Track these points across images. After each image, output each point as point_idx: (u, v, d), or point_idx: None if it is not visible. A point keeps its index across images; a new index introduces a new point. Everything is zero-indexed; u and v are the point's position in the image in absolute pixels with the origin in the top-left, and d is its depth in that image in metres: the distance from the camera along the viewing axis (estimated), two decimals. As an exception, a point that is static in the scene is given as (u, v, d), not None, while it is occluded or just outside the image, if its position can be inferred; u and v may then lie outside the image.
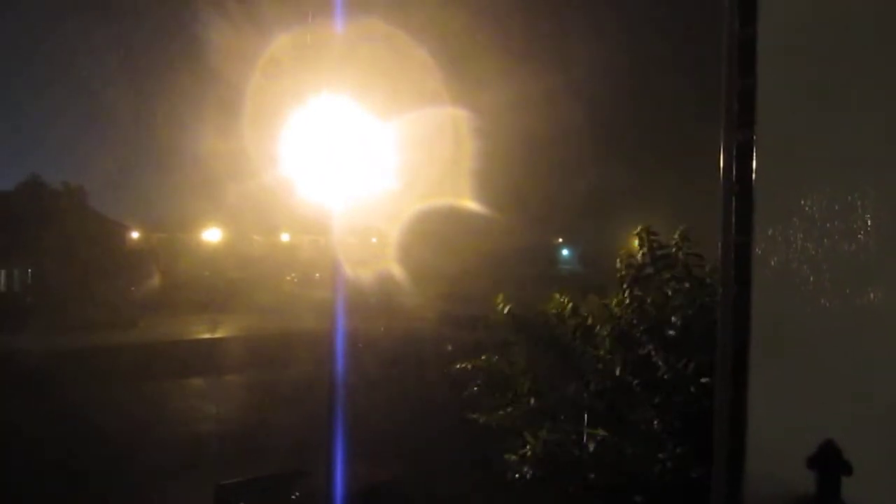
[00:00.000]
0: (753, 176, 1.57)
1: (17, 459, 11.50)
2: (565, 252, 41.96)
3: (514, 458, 5.29)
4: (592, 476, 5.01)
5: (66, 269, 26.22)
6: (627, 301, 5.39)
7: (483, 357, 5.94)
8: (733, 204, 1.60)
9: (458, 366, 6.07)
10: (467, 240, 27.43)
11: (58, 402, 14.97)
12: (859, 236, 1.56)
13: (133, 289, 29.62)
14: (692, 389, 4.78)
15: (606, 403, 5.22)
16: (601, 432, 4.83)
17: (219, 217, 35.75)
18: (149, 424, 14.38)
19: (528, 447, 5.11)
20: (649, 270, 5.41)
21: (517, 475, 5.22)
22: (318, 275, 34.03)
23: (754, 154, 1.57)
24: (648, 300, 5.33)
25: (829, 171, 1.59)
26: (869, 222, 1.56)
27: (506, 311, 5.75)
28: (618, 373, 5.17)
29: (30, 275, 32.14)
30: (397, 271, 22.52)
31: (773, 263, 1.57)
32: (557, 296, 5.68)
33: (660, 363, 5.01)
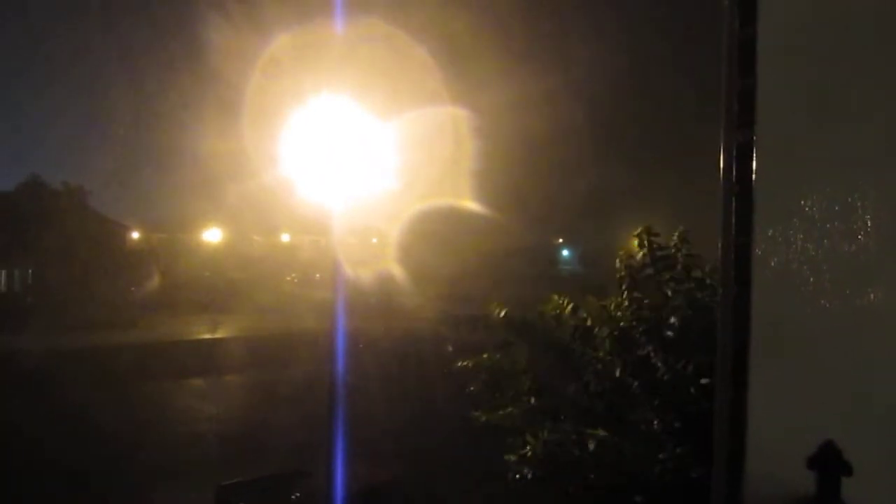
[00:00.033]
0: (753, 176, 1.57)
1: (17, 459, 11.50)
2: (565, 252, 41.99)
3: (513, 458, 5.28)
4: (592, 476, 5.01)
5: (67, 270, 26.23)
6: (627, 303, 5.39)
7: (485, 355, 5.94)
8: (733, 204, 1.59)
9: (459, 363, 6.07)
10: (467, 240, 27.45)
11: (58, 402, 14.98)
12: (859, 237, 1.56)
13: (133, 289, 29.63)
14: (692, 390, 4.78)
15: (606, 404, 5.23)
16: (601, 432, 4.83)
17: (219, 217, 35.79)
18: (149, 424, 14.39)
19: (528, 447, 5.11)
20: (649, 271, 5.41)
21: (517, 476, 5.22)
22: (318, 275, 34.03)
23: (754, 154, 1.57)
24: (646, 301, 5.33)
25: (830, 171, 1.59)
26: (869, 223, 1.56)
27: (502, 314, 5.76)
28: (617, 374, 5.17)
29: (30, 275, 32.15)
30: (397, 271, 22.54)
31: (773, 264, 1.57)
32: (556, 297, 5.68)
33: (659, 364, 5.01)
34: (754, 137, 1.57)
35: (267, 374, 19.25)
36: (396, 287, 22.75)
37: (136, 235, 36.18)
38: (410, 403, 14.15)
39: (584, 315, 5.50)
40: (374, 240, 26.00)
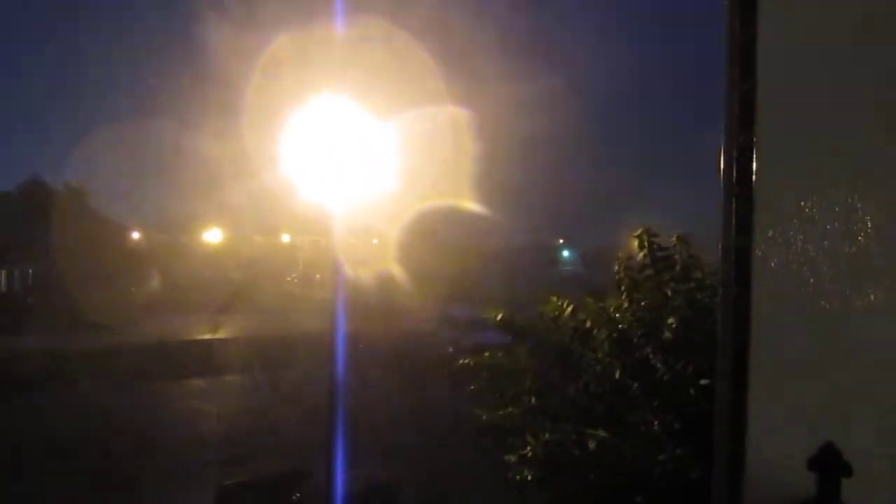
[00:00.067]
0: (754, 177, 1.57)
1: (18, 460, 11.50)
2: (566, 253, 41.98)
3: (513, 459, 5.29)
4: (592, 477, 5.01)
5: (67, 270, 26.22)
6: (626, 304, 5.40)
7: (486, 354, 5.95)
8: (734, 205, 1.60)
9: (461, 361, 6.08)
10: (468, 240, 27.46)
11: (58, 403, 14.99)
12: (860, 238, 1.56)
13: (134, 289, 29.63)
14: (692, 391, 4.78)
15: (606, 405, 5.23)
16: (601, 433, 4.83)
17: (219, 218, 35.81)
18: (149, 424, 14.39)
19: (528, 448, 5.12)
20: (649, 272, 5.42)
21: (517, 477, 5.22)
22: (318, 276, 34.03)
23: (755, 156, 1.57)
24: (643, 303, 5.33)
25: (830, 172, 1.59)
26: (869, 224, 1.56)
27: (498, 317, 5.78)
28: (617, 376, 5.17)
29: (30, 275, 32.15)
30: (398, 272, 22.53)
31: (773, 265, 1.57)
32: (555, 299, 5.69)
33: (659, 365, 5.01)
34: (755, 139, 1.57)
35: (267, 375, 19.24)
36: (397, 287, 22.76)
37: (136, 236, 36.19)
38: (411, 404, 14.15)
39: (584, 317, 5.50)
40: (375, 240, 26.00)
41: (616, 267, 5.60)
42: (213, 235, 37.10)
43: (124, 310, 25.50)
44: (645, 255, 5.42)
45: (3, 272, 32.15)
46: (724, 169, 1.62)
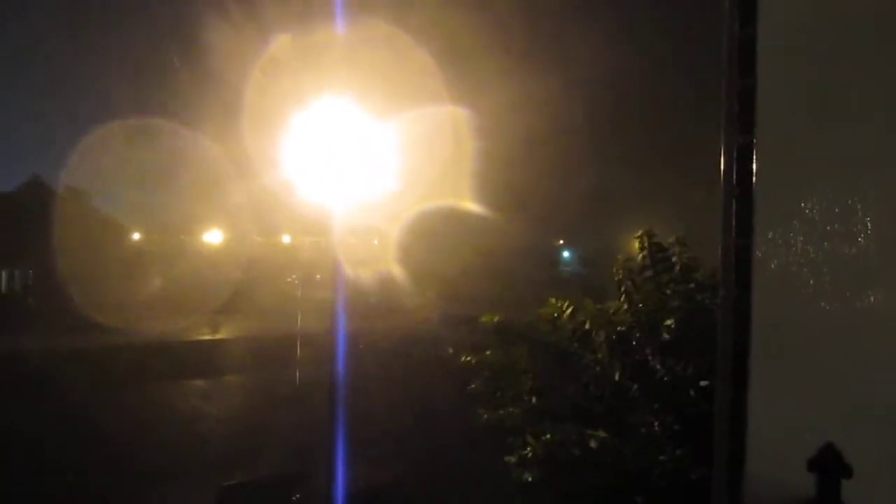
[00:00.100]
0: (754, 178, 1.57)
1: (19, 460, 11.50)
2: (566, 254, 41.95)
3: (513, 460, 5.28)
4: (593, 477, 5.01)
5: (68, 271, 26.22)
6: (626, 306, 5.40)
7: (487, 352, 5.95)
8: (734, 206, 1.59)
9: (462, 359, 6.08)
10: (468, 241, 27.44)
11: (59, 403, 14.98)
12: (860, 239, 1.56)
13: (134, 290, 29.63)
14: (691, 392, 4.78)
15: (605, 406, 5.22)
16: (601, 433, 4.83)
17: (220, 218, 35.80)
18: (150, 425, 14.39)
19: (528, 448, 5.11)
20: (649, 273, 5.42)
21: (518, 479, 5.22)
22: (318, 276, 34.02)
23: (754, 156, 1.57)
24: (643, 304, 5.33)
25: (830, 173, 1.58)
26: (869, 225, 1.56)
27: (495, 321, 5.79)
28: (616, 377, 5.17)
29: (31, 276, 32.15)
30: (398, 272, 22.53)
31: (773, 266, 1.57)
32: (554, 301, 5.68)
33: (658, 366, 5.01)
34: (754, 139, 1.57)
35: (267, 375, 19.25)
36: (397, 287, 22.76)
37: (137, 237, 36.18)
38: (411, 404, 14.14)
39: (582, 318, 5.50)
40: (375, 241, 25.99)
41: (616, 268, 5.60)
42: (213, 236, 37.09)
43: (125, 310, 25.49)
44: (644, 257, 5.43)
45: (4, 273, 32.16)
46: (723, 170, 1.62)
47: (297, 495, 9.11)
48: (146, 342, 22.61)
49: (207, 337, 25.43)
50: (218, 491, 9.35)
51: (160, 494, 10.84)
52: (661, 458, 4.70)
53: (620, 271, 5.54)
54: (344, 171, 5.89)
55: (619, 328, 5.33)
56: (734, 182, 1.59)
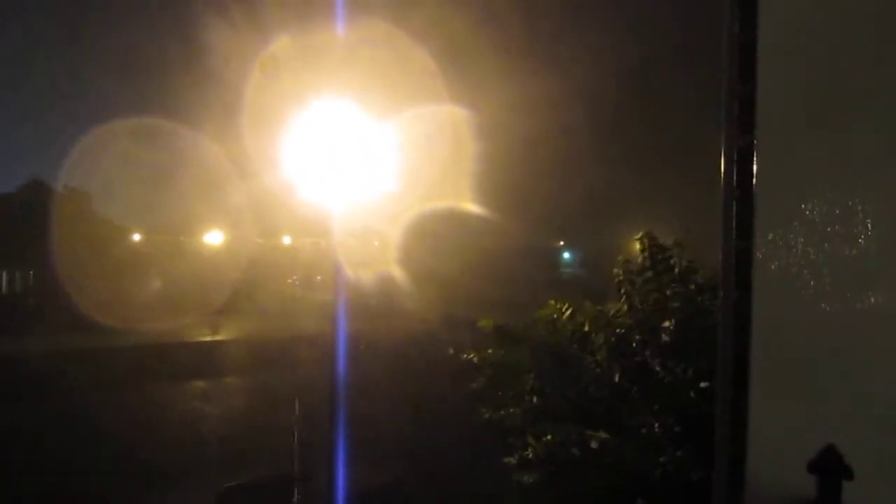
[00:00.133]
0: (754, 180, 1.57)
1: (20, 461, 11.50)
2: (566, 255, 41.92)
3: (513, 461, 5.28)
4: (593, 478, 5.01)
5: (68, 272, 26.23)
6: (626, 308, 5.40)
7: (489, 350, 5.94)
8: (734, 208, 1.59)
9: (464, 356, 6.08)
10: (468, 242, 27.43)
11: (59, 403, 14.98)
12: (860, 241, 1.56)
13: (135, 291, 29.63)
14: (692, 394, 4.78)
15: (606, 408, 5.22)
16: (602, 434, 4.83)
17: (220, 220, 35.81)
18: (151, 426, 14.39)
19: (529, 449, 5.11)
20: (649, 274, 5.43)
21: (517, 479, 5.22)
22: (319, 277, 34.01)
23: (755, 158, 1.57)
24: (643, 306, 5.34)
25: (830, 175, 1.59)
26: (869, 227, 1.56)
27: (492, 325, 5.80)
28: (616, 379, 5.17)
29: (31, 277, 32.16)
30: (398, 273, 22.53)
31: (773, 268, 1.57)
32: (553, 303, 5.69)
33: (658, 368, 5.01)
34: (755, 141, 1.57)
35: (268, 377, 19.24)
36: (397, 289, 22.75)
37: (137, 237, 36.19)
38: (411, 405, 14.14)
39: (582, 320, 5.50)
40: (375, 242, 25.99)
41: (616, 269, 5.60)
42: (213, 237, 37.09)
43: (125, 311, 25.50)
44: (645, 258, 5.43)
45: (5, 273, 32.18)
46: (724, 172, 1.62)
47: (298, 497, 9.11)
48: (146, 343, 22.61)
49: (208, 338, 25.43)
50: (218, 492, 9.35)
51: (160, 495, 10.84)
52: (662, 459, 4.70)
53: (621, 273, 5.55)
54: (344, 171, 5.90)
55: (618, 330, 5.33)
56: (734, 184, 1.59)
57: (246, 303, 28.92)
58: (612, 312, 5.47)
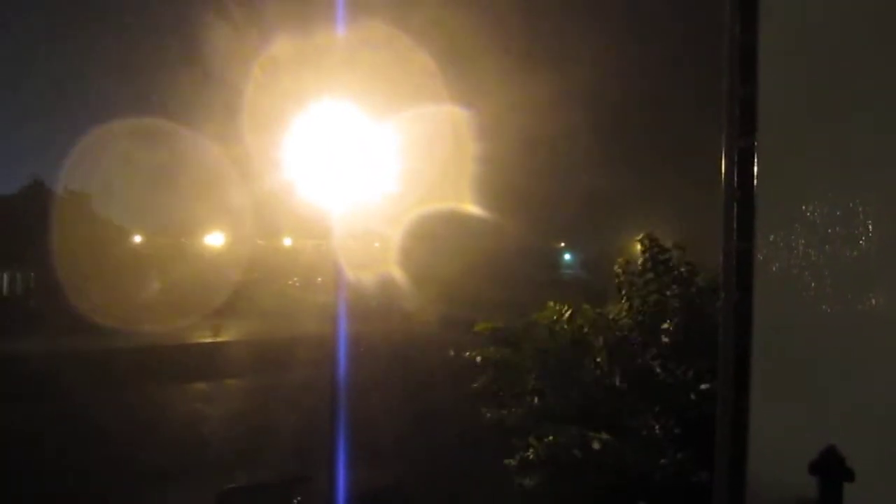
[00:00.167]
0: (755, 182, 1.57)
1: (21, 461, 11.50)
2: (567, 256, 41.92)
3: (513, 463, 5.28)
4: (594, 479, 5.00)
5: (70, 273, 26.24)
6: (626, 309, 5.40)
7: (492, 349, 5.94)
8: (735, 210, 1.60)
9: (466, 354, 6.08)
10: (469, 243, 27.43)
11: (60, 404, 14.99)
12: (860, 242, 1.56)
13: (135, 293, 29.64)
14: (692, 395, 4.78)
15: (606, 409, 5.22)
16: (603, 436, 4.82)
17: (221, 221, 35.83)
18: (151, 427, 14.38)
19: (530, 450, 5.11)
20: (650, 276, 5.43)
21: (518, 481, 5.22)
22: (320, 279, 34.03)
23: (756, 160, 1.57)
24: (643, 307, 5.34)
25: (831, 176, 1.59)
26: (870, 228, 1.56)
27: (490, 329, 5.79)
28: (617, 382, 5.17)
29: (32, 278, 32.17)
30: (399, 275, 22.52)
31: (774, 269, 1.57)
32: (552, 304, 5.68)
33: (658, 370, 5.01)
34: (755, 143, 1.57)
35: (268, 378, 19.24)
36: (398, 290, 22.75)
37: (138, 239, 36.21)
38: (412, 406, 14.13)
39: (581, 322, 5.50)
40: (376, 243, 26.01)
41: (616, 270, 5.61)
42: (214, 239, 37.11)
43: (126, 313, 25.51)
44: (646, 260, 5.44)
45: (5, 275, 32.19)
46: (724, 173, 1.62)
47: (298, 498, 9.10)
48: (147, 344, 22.62)
49: (209, 339, 25.44)
50: (218, 494, 9.34)
51: (160, 496, 10.83)
52: (663, 460, 4.69)
53: (621, 274, 5.55)
54: (345, 173, 5.89)
55: (618, 333, 5.33)
56: (735, 185, 1.59)
57: (247, 304, 28.94)
58: (611, 315, 5.47)
